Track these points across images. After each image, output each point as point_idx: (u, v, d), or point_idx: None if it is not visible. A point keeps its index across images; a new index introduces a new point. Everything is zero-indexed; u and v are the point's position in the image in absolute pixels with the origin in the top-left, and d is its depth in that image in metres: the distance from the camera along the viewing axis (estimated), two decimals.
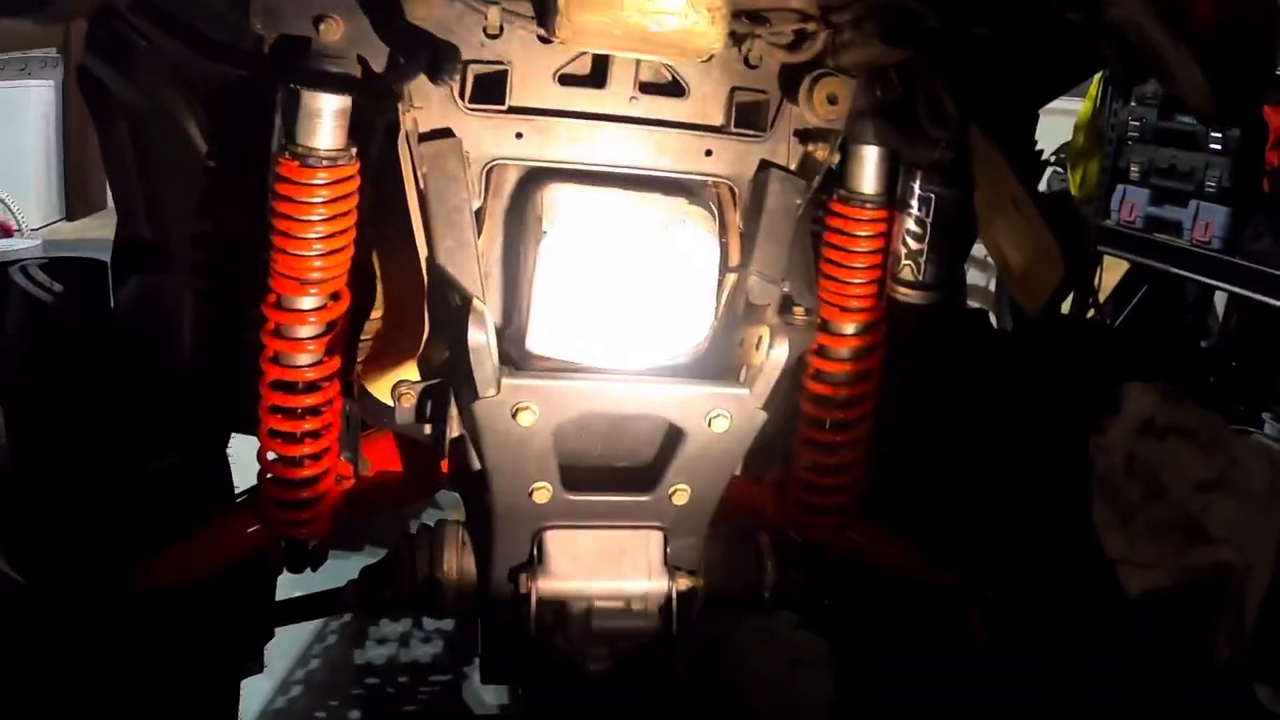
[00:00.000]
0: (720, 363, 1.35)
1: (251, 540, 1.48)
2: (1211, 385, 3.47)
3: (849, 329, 1.43)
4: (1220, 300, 4.02)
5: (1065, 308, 4.01)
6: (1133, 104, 3.75)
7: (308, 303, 1.29)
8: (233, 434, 1.72)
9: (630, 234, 1.25)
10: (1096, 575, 1.40)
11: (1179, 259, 3.56)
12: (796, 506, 1.53)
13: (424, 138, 1.25)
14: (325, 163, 1.23)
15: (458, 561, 1.43)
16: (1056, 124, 4.13)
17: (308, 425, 1.35)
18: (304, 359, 1.32)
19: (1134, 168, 3.74)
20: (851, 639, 1.80)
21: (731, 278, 1.35)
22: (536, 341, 1.27)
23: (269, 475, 1.40)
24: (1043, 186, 4.58)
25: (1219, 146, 3.34)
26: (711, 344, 1.34)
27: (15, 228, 6.72)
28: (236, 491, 1.69)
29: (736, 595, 1.49)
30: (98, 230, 8.07)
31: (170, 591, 1.44)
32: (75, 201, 8.30)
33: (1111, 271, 4.20)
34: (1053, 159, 4.70)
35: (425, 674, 2.38)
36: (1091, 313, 4.05)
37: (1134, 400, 1.43)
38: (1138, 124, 3.79)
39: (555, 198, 1.25)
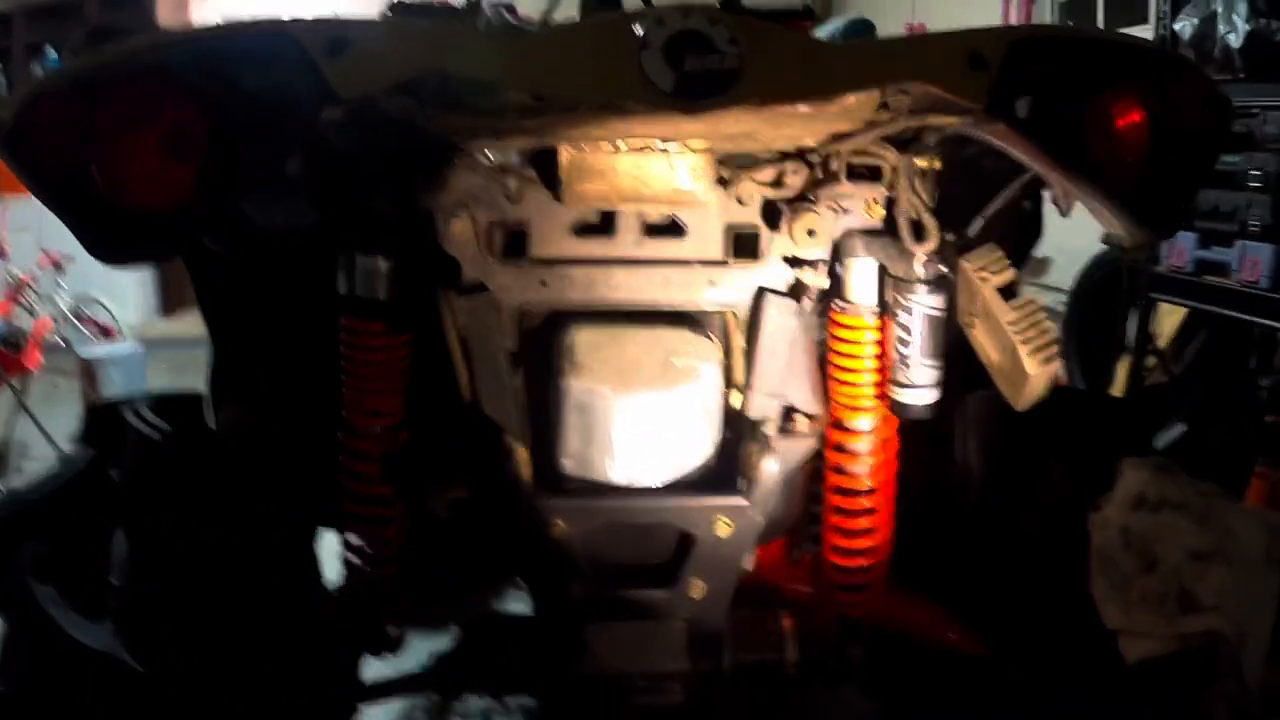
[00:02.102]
0: (726, 472, 1.50)
1: (337, 628, 1.65)
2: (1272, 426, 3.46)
3: (860, 424, 1.55)
4: None
5: (1125, 359, 4.06)
6: None
7: (374, 431, 1.49)
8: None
9: (641, 366, 1.42)
10: (1102, 646, 1.49)
11: (1230, 300, 3.58)
12: (829, 585, 1.65)
13: (461, 290, 1.43)
14: (380, 317, 1.42)
15: (517, 648, 1.58)
16: None
17: (380, 532, 1.55)
18: (373, 477, 1.52)
19: None
20: (902, 705, 1.91)
21: (736, 394, 1.51)
22: (564, 465, 1.45)
23: (351, 573, 1.59)
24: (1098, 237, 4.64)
25: (1259, 184, 3.34)
26: (718, 456, 1.49)
27: (116, 330, 7.07)
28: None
29: (761, 671, 1.61)
30: (190, 326, 8.43)
31: (269, 675, 1.60)
32: (170, 298, 8.73)
33: (1171, 317, 4.21)
34: None
35: None
36: (1153, 361, 4.07)
37: (1127, 476, 1.51)
38: None
39: (573, 340, 1.43)
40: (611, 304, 1.48)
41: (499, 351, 1.45)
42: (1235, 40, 3.41)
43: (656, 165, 1.33)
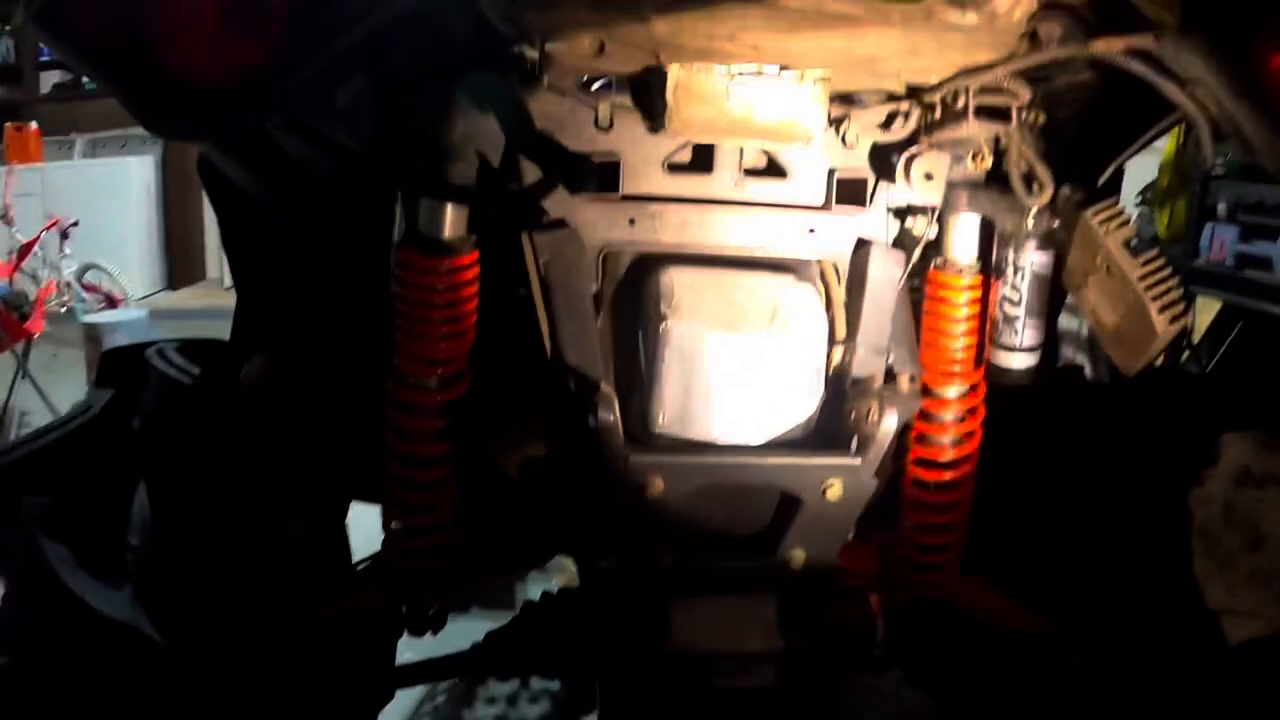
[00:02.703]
0: (830, 432, 1.40)
1: (375, 605, 1.53)
2: None
3: (951, 392, 1.46)
4: None
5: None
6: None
7: (431, 382, 1.36)
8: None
9: (747, 312, 1.32)
10: (1198, 626, 1.41)
11: (1270, 295, 3.52)
12: (904, 565, 1.56)
13: (543, 227, 1.32)
14: (447, 251, 1.31)
15: (582, 626, 1.48)
16: (1142, 164, 4.09)
17: (430, 498, 1.41)
18: (427, 435, 1.38)
19: (1221, 205, 3.70)
20: (957, 695, 1.82)
21: (838, 350, 1.41)
22: (658, 419, 1.34)
23: (392, 543, 1.46)
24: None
25: None
26: (826, 413, 1.39)
27: (121, 297, 6.98)
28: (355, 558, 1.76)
29: (850, 653, 1.53)
30: (198, 300, 8.42)
31: (296, 654, 1.50)
32: (177, 272, 8.68)
33: (1205, 313, 4.14)
34: (1138, 200, 4.67)
35: None
36: (1185, 354, 4.00)
37: (1230, 450, 1.43)
38: (1223, 160, 3.76)
39: (671, 281, 1.32)
40: (704, 248, 1.37)
41: (585, 293, 1.34)
42: None
43: (771, 92, 1.22)
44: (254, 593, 1.48)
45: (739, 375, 1.32)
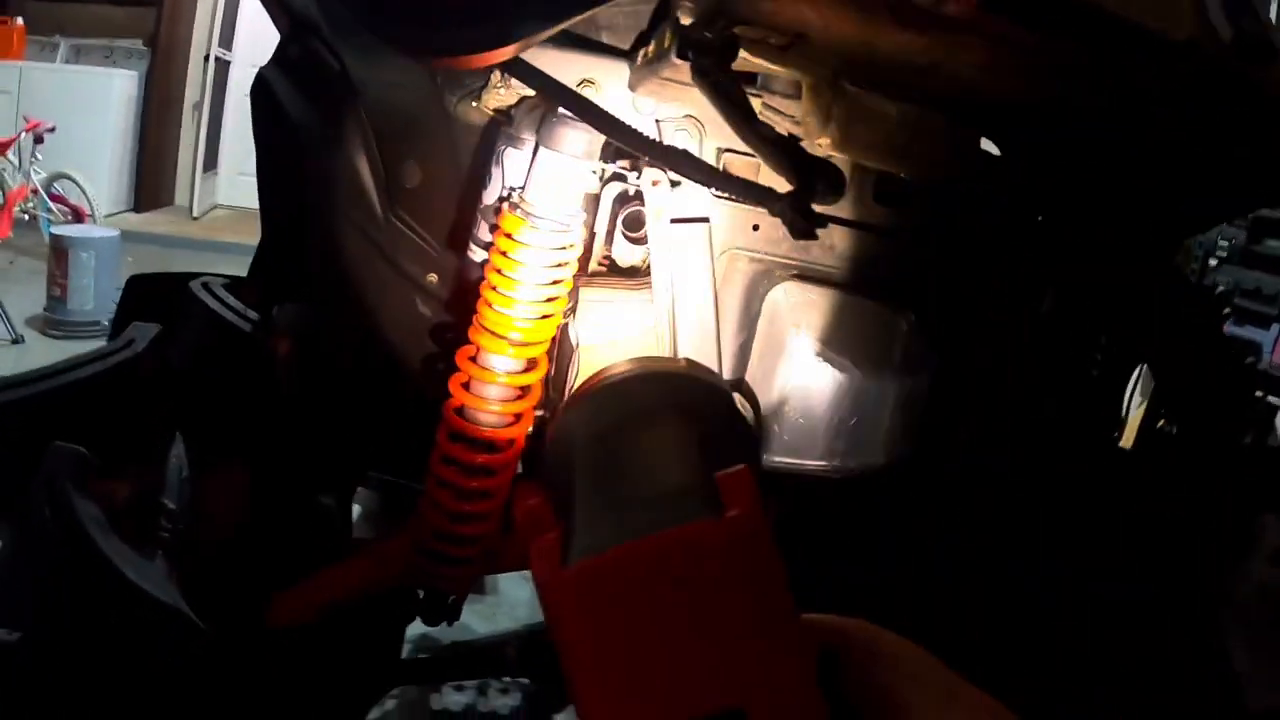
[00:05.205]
0: (922, 458, 1.39)
1: (387, 590, 1.45)
2: None
3: None
4: None
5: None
6: (1223, 225, 3.80)
7: (504, 363, 1.29)
8: None
9: (861, 339, 1.30)
10: (1221, 691, 1.42)
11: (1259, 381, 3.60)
12: None
13: (675, 220, 1.28)
14: (556, 226, 1.24)
15: None
16: None
17: (483, 483, 1.34)
18: (490, 418, 1.30)
19: (1219, 287, 3.79)
20: None
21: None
22: (773, 429, 1.31)
23: (431, 526, 1.37)
24: None
25: None
26: (907, 441, 1.38)
27: (89, 213, 6.75)
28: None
29: None
30: (166, 226, 8.19)
31: (303, 635, 1.40)
32: (144, 194, 8.42)
33: None
34: None
35: None
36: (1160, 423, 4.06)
37: (1269, 532, 1.47)
38: (1226, 244, 3.84)
39: (797, 298, 1.30)
40: (823, 265, 1.34)
41: (709, 294, 1.30)
42: None
43: (935, 123, 1.19)
44: (288, 570, 1.38)
45: (851, 396, 1.30)
